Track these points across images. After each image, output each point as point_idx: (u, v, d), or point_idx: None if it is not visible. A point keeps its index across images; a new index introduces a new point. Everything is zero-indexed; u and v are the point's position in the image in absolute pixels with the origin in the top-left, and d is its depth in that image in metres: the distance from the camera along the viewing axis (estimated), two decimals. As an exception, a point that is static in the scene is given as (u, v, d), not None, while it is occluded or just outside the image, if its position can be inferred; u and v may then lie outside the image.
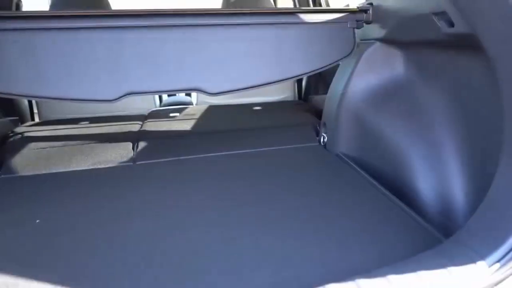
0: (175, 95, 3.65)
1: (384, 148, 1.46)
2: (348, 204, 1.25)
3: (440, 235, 1.03)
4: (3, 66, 1.42)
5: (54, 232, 1.13)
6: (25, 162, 1.72)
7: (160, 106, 3.28)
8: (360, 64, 1.64)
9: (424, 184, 1.30)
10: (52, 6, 2.38)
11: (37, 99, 1.78)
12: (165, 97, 3.62)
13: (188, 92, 2.43)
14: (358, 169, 1.52)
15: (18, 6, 2.98)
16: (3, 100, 2.56)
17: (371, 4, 1.63)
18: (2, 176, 1.64)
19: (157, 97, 3.23)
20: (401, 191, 1.34)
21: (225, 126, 2.21)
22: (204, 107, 2.78)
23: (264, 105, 2.82)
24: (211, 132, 2.09)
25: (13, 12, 2.56)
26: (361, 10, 1.65)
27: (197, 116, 2.46)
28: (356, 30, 1.68)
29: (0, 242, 1.08)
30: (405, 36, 1.46)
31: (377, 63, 1.61)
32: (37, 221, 1.19)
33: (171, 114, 2.55)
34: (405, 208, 1.19)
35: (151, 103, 3.00)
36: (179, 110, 2.67)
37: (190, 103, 3.40)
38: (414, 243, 1.01)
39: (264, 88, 1.72)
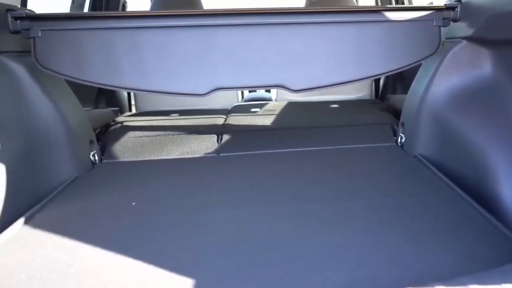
0: (255, 91, 3.79)
1: (466, 151, 1.41)
2: (425, 206, 1.22)
3: None
4: (110, 61, 1.58)
5: (146, 215, 1.26)
6: (124, 149, 1.94)
7: (242, 101, 3.44)
8: (444, 63, 1.59)
9: (509, 191, 1.23)
10: (152, 7, 2.63)
11: (138, 91, 1.99)
12: (246, 93, 3.78)
13: (272, 88, 2.51)
14: (437, 171, 1.48)
15: (124, 7, 3.34)
16: (107, 92, 2.92)
17: (459, 1, 1.56)
18: (105, 161, 1.86)
19: (239, 92, 3.39)
20: (482, 196, 1.28)
21: (304, 123, 2.25)
22: (283, 103, 2.86)
23: (341, 103, 2.82)
24: (290, 128, 2.15)
25: (120, 12, 2.88)
26: (449, 8, 1.59)
27: (276, 112, 2.54)
28: (441, 28, 1.63)
29: (101, 221, 1.23)
30: (496, 35, 1.39)
31: (463, 62, 1.54)
32: (133, 203, 1.34)
33: (253, 110, 2.66)
34: (486, 214, 1.15)
35: (234, 99, 3.15)
36: (260, 106, 2.77)
37: (270, 99, 3.51)
38: (496, 252, 0.96)
39: (342, 86, 1.73)
